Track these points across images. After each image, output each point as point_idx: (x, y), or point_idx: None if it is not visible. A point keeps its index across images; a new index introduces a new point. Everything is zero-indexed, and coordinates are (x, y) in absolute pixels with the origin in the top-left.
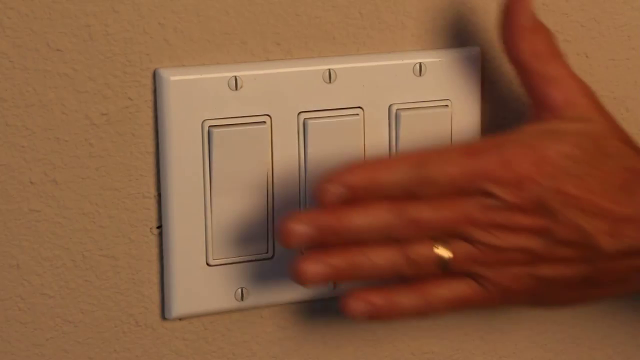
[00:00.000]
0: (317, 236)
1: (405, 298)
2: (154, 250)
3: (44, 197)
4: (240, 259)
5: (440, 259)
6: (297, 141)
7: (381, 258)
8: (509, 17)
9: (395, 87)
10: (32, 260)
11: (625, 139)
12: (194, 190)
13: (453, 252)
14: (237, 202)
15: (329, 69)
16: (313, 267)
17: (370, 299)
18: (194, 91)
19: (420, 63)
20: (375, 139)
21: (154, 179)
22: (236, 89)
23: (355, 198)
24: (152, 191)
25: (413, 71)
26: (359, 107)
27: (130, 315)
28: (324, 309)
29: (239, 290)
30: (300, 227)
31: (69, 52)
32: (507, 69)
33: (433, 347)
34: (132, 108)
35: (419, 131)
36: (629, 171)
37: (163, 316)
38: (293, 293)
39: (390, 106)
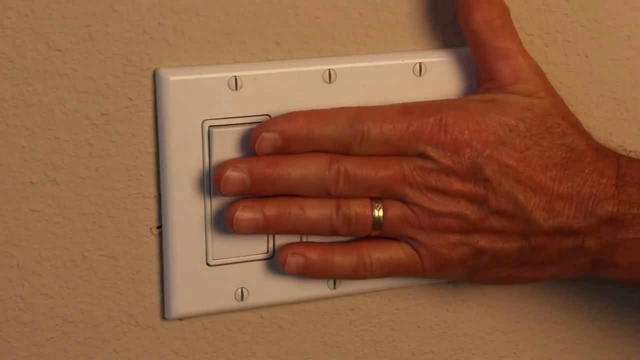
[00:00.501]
0: (252, 184)
1: (341, 256)
2: (154, 250)
3: (44, 197)
4: (240, 259)
5: (373, 217)
6: None
7: (315, 212)
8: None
9: (395, 87)
10: (32, 260)
11: (570, 118)
12: (194, 190)
13: (387, 212)
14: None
15: (329, 69)
16: (246, 214)
17: (306, 254)
18: (194, 91)
19: (420, 63)
20: None
21: (154, 179)
22: (236, 89)
23: (292, 149)
24: (152, 191)
25: (413, 71)
26: None
27: (130, 315)
28: (324, 309)
29: (239, 290)
30: (235, 174)
31: (69, 52)
32: None
33: (433, 347)
34: (132, 108)
35: None
36: (570, 150)
37: (163, 316)
38: (293, 293)
39: None
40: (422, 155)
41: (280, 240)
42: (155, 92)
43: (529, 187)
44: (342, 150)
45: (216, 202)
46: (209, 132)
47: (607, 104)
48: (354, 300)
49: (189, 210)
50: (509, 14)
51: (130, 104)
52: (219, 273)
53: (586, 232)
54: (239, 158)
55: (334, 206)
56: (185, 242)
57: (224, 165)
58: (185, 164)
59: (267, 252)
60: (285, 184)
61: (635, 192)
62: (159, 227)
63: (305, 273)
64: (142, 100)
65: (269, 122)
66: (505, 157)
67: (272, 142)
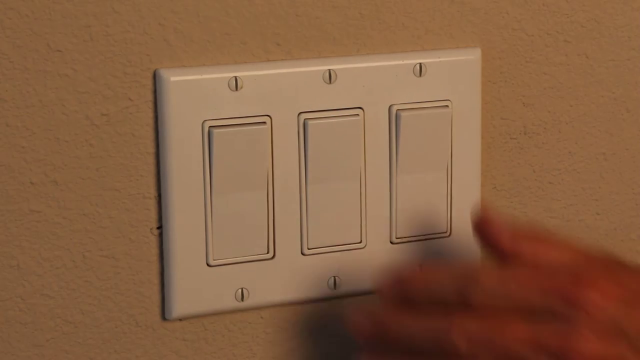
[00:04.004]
0: (375, 331)
1: None
2: (154, 251)
3: (45, 197)
4: (240, 259)
5: None
6: (297, 141)
7: None
8: (490, 244)
9: (396, 87)
10: (32, 261)
11: None
12: (194, 190)
13: None
14: (237, 202)
15: (329, 69)
16: None
17: None
18: (194, 91)
19: (420, 63)
20: (375, 139)
21: (154, 180)
22: (236, 89)
23: (417, 300)
24: (152, 192)
25: (413, 71)
26: (359, 108)
27: (130, 315)
28: (324, 309)
29: (239, 290)
30: (359, 319)
31: (69, 53)
32: (507, 69)
33: None
34: (132, 108)
35: (419, 132)
36: None
37: (163, 316)
38: (293, 293)
39: (390, 106)
40: (556, 314)
41: (281, 240)
42: (155, 92)
43: None
44: (466, 306)
45: (216, 203)
46: (209, 132)
47: (607, 104)
48: (355, 301)
49: (189, 210)
50: (537, 231)
51: (131, 105)
52: (219, 273)
53: None
54: (368, 307)
55: None
56: (185, 243)
57: (355, 309)
58: (185, 164)
59: (267, 252)
60: (405, 338)
61: None
62: (159, 227)
63: None
64: (142, 101)
65: (394, 271)
66: None
67: (395, 291)
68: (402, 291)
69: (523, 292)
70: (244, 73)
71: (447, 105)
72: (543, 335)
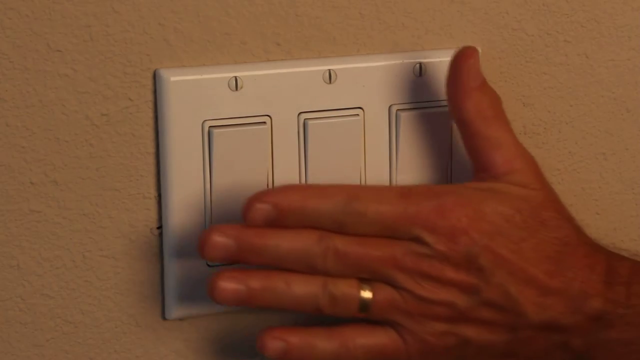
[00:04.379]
0: (237, 251)
1: (323, 341)
2: (154, 251)
3: (45, 197)
4: None
5: (361, 298)
6: (297, 141)
7: (301, 288)
8: (455, 76)
9: (395, 87)
10: (32, 261)
11: (564, 212)
12: (194, 190)
13: (375, 294)
14: (237, 202)
15: (329, 69)
16: (228, 284)
17: (287, 337)
18: (194, 91)
19: (420, 63)
20: (375, 139)
21: (154, 180)
22: (236, 89)
23: (284, 222)
24: (152, 192)
25: (413, 71)
26: (359, 108)
27: (130, 315)
28: None
29: None
30: (221, 239)
31: (69, 53)
32: (507, 69)
33: None
34: (132, 108)
35: (419, 131)
36: (562, 243)
37: (163, 317)
38: None
39: (390, 106)
40: (417, 240)
41: None
42: (155, 92)
43: (521, 280)
44: (335, 228)
45: (216, 203)
46: (209, 132)
47: (607, 104)
48: None
49: (189, 210)
50: (501, 103)
51: (131, 105)
52: None
53: (572, 329)
54: (227, 224)
55: (320, 284)
56: (185, 243)
57: (210, 229)
58: (185, 164)
59: None
60: (272, 256)
61: (622, 291)
62: (159, 227)
63: (285, 358)
64: (142, 101)
65: (263, 193)
66: (501, 248)
67: (265, 213)
68: (273, 214)
69: (390, 221)
70: (244, 73)
71: (447, 105)
72: (404, 258)
